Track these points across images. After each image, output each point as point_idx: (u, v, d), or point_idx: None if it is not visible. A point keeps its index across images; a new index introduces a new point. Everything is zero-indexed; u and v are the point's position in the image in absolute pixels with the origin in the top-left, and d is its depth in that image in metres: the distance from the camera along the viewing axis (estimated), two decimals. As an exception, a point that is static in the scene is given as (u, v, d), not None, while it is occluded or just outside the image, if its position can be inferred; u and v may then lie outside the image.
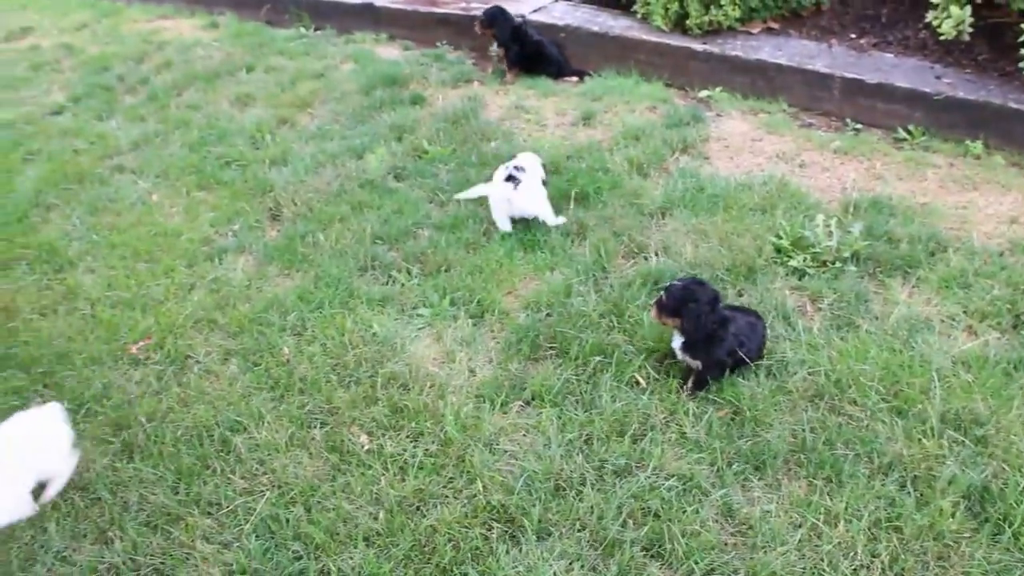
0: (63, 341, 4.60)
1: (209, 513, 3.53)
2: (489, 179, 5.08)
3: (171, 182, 6.06)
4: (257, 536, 3.40)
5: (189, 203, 5.78)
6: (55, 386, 4.31)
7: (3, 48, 9.42)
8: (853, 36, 6.46)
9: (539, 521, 3.31)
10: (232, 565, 3.31)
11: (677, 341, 3.85)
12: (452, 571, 3.18)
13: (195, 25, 9.48)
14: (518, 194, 4.82)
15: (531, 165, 4.98)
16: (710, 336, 3.76)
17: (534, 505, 3.36)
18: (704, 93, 6.42)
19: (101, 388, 4.24)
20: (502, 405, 3.85)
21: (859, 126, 5.88)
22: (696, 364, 3.83)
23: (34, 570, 3.38)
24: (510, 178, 4.84)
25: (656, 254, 4.68)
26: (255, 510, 3.50)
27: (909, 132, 5.69)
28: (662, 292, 3.86)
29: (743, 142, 5.71)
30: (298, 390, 4.06)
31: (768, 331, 4.02)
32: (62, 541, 3.50)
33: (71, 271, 5.19)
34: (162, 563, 3.37)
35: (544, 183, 5.03)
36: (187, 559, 3.37)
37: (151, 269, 5.11)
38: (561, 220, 4.97)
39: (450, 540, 3.28)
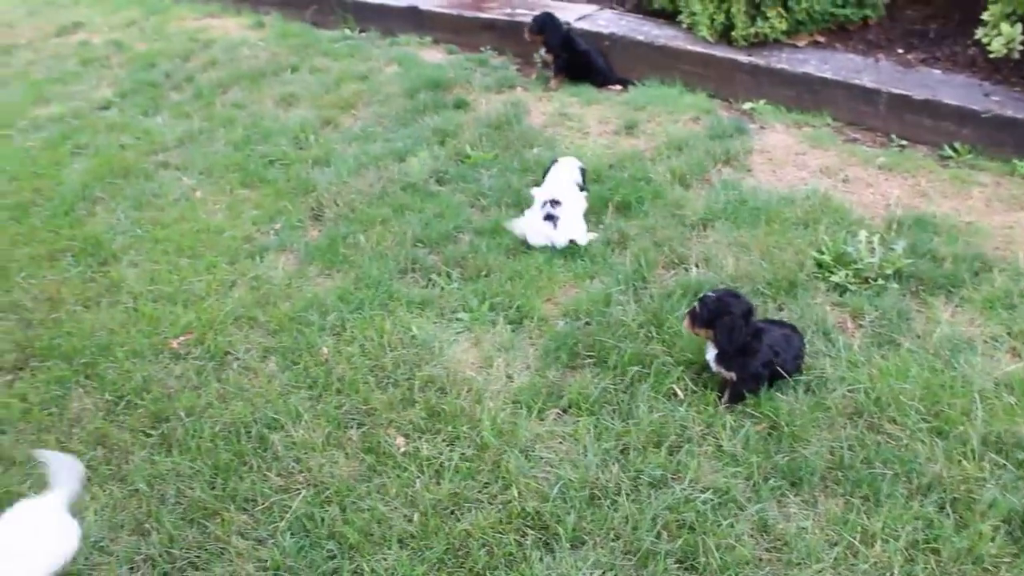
0: (105, 333, 4.66)
1: (245, 509, 3.57)
2: (531, 186, 5.10)
3: (215, 179, 6.13)
4: (292, 534, 3.43)
5: (232, 201, 5.84)
6: (96, 377, 4.36)
7: (55, 43, 9.57)
8: (900, 51, 6.41)
9: (573, 529, 3.31)
10: (267, 562, 3.33)
11: (711, 353, 3.85)
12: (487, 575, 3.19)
13: (241, 24, 9.56)
14: (558, 233, 4.86)
15: (567, 187, 4.97)
16: (744, 348, 3.75)
17: (569, 513, 3.36)
18: (748, 105, 6.39)
19: (141, 381, 4.28)
20: (539, 412, 3.86)
21: (904, 142, 5.83)
22: (730, 376, 3.82)
23: (70, 559, 3.42)
24: (548, 217, 4.86)
25: (697, 266, 4.67)
26: (290, 508, 3.52)
27: (955, 150, 5.63)
28: (696, 303, 3.86)
29: (786, 155, 5.68)
30: (336, 390, 4.08)
31: (807, 346, 3.99)
32: (100, 531, 3.54)
33: (115, 264, 5.26)
34: (197, 557, 3.40)
35: (582, 188, 5.03)
36: (222, 554, 3.40)
37: (193, 265, 5.16)
38: (593, 236, 4.96)
39: (484, 545, 3.29)
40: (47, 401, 4.28)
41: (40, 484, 3.72)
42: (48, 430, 4.10)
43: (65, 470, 3.45)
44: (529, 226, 4.95)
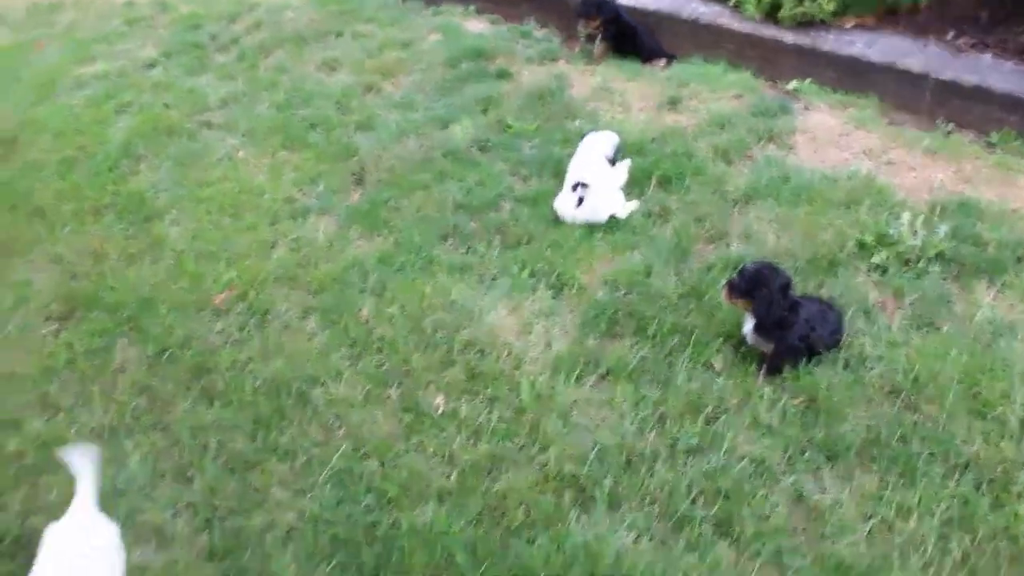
0: (148, 288, 4.73)
1: (285, 461, 3.63)
2: (572, 156, 5.10)
3: (257, 141, 6.16)
4: (331, 487, 3.48)
5: (274, 163, 5.87)
6: (139, 330, 4.44)
7: (100, 3, 9.62)
8: (950, 36, 6.32)
9: (610, 493, 3.34)
10: (306, 512, 3.39)
11: (748, 325, 3.86)
12: (522, 533, 3.23)
13: (286, -12, 9.58)
14: (581, 212, 4.86)
15: (595, 165, 4.98)
16: (781, 321, 3.75)
17: (606, 476, 3.39)
18: (793, 85, 6.34)
19: (183, 335, 4.36)
20: (577, 378, 3.89)
21: (950, 127, 5.77)
22: (767, 348, 3.83)
23: (112, 504, 3.49)
24: (580, 200, 4.86)
25: (737, 241, 4.66)
26: (330, 462, 3.58)
27: (1002, 137, 5.57)
28: (735, 274, 3.87)
29: (830, 136, 5.64)
30: (375, 350, 4.13)
31: (846, 324, 3.99)
32: (143, 478, 3.61)
33: (158, 221, 5.32)
34: (238, 505, 3.47)
35: (612, 162, 5.02)
36: (262, 504, 3.46)
37: (235, 224, 5.21)
38: (633, 206, 4.96)
39: (521, 504, 3.33)
40: (92, 351, 4.36)
41: (83, 434, 3.82)
42: (93, 379, 4.18)
43: (86, 461, 3.24)
44: (561, 204, 4.96)
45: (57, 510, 3.30)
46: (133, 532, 3.38)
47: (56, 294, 4.77)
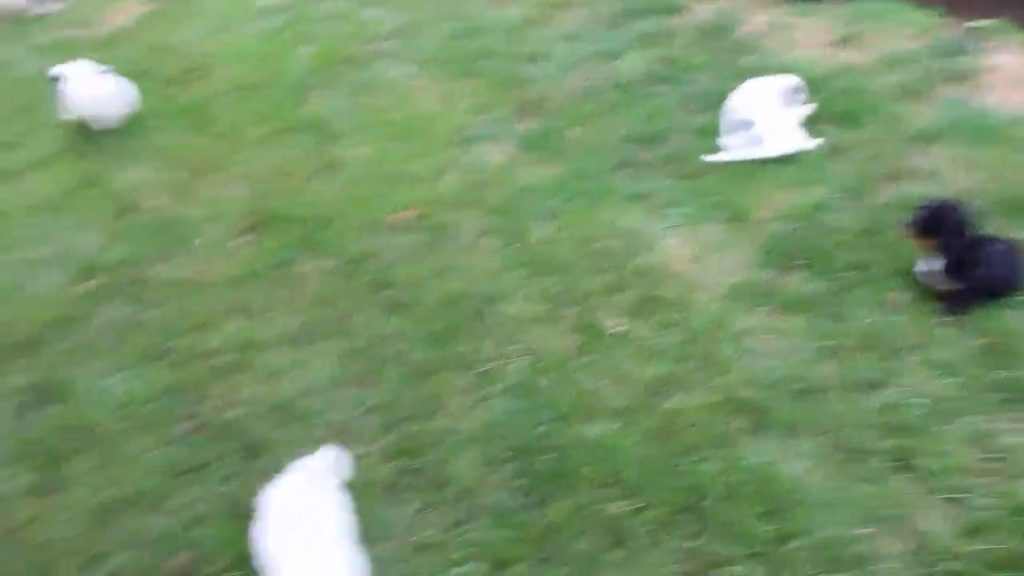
0: (328, 206, 4.94)
1: (462, 373, 3.77)
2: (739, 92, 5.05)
3: (429, 70, 6.30)
4: (506, 398, 3.61)
5: (446, 91, 6.01)
6: (320, 245, 4.66)
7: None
8: None
9: (783, 420, 3.36)
10: (482, 421, 3.53)
11: (926, 263, 3.78)
12: (693, 453, 3.29)
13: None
14: (746, 149, 4.80)
15: (764, 104, 4.91)
16: (962, 260, 3.66)
17: (779, 404, 3.41)
18: (979, 23, 6.07)
19: (362, 251, 4.54)
20: (751, 308, 3.90)
21: None
22: (946, 287, 3.75)
23: (300, 403, 3.73)
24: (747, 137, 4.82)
25: (918, 180, 4.54)
26: (505, 375, 3.71)
27: None
28: (916, 210, 3.79)
29: (1019, 76, 5.40)
30: (549, 272, 4.22)
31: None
32: (328, 382, 3.82)
33: (337, 144, 5.54)
34: (418, 411, 3.63)
35: (790, 102, 4.93)
36: (441, 410, 3.62)
37: (409, 149, 5.38)
38: (813, 143, 4.87)
39: (692, 425, 3.38)
40: (277, 263, 4.60)
41: (272, 339, 4.06)
42: (279, 289, 4.42)
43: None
44: (726, 140, 4.92)
45: (250, 405, 3.59)
46: (322, 428, 3.59)
47: (245, 210, 5.04)
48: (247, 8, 7.71)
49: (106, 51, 6.80)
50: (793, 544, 2.96)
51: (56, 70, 5.82)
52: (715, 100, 5.29)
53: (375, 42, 6.82)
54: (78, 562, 3.21)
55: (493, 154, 5.23)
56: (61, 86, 5.78)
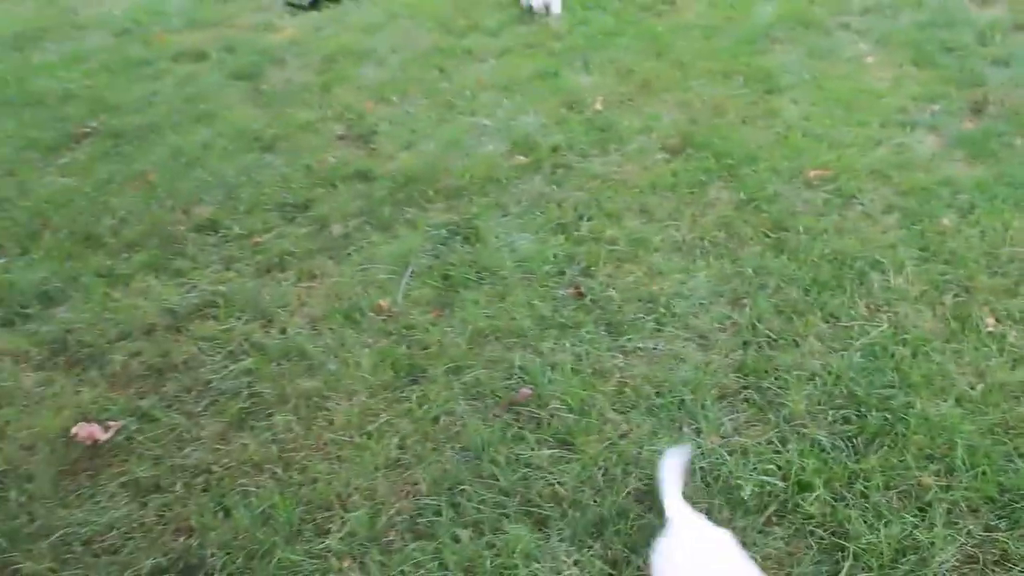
0: (753, 147, 5.28)
1: (828, 321, 3.98)
2: None
3: (888, 51, 6.38)
4: (862, 355, 3.78)
5: (899, 74, 6.07)
6: (736, 178, 5.02)
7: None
8: None
9: None
10: (832, 366, 3.73)
11: None
12: (1032, 459, 3.30)
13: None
14: None
15: None
16: None
17: None
18: None
19: (773, 193, 4.84)
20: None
21: None
22: None
23: (671, 302, 4.14)
24: None
25: None
26: (868, 334, 3.87)
27: None
28: None
29: None
30: (944, 260, 4.27)
31: None
32: (703, 292, 4.20)
33: (777, 96, 5.85)
34: (775, 340, 3.90)
35: None
36: (796, 346, 3.85)
37: (846, 116, 5.57)
38: None
39: (1042, 436, 3.38)
40: (691, 183, 5.03)
41: (667, 243, 4.48)
42: (686, 204, 4.85)
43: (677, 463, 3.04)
44: None
45: (628, 292, 4.07)
46: (683, 330, 4.00)
47: (675, 131, 5.53)
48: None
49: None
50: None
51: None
52: None
53: (842, 14, 6.97)
54: (446, 367, 3.87)
55: (926, 143, 5.28)
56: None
